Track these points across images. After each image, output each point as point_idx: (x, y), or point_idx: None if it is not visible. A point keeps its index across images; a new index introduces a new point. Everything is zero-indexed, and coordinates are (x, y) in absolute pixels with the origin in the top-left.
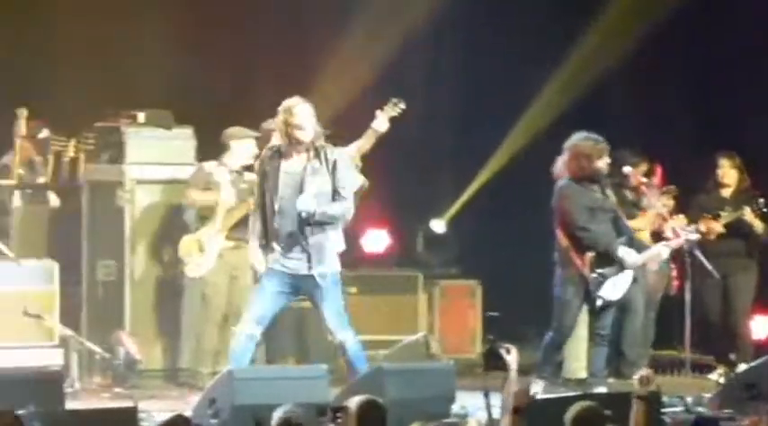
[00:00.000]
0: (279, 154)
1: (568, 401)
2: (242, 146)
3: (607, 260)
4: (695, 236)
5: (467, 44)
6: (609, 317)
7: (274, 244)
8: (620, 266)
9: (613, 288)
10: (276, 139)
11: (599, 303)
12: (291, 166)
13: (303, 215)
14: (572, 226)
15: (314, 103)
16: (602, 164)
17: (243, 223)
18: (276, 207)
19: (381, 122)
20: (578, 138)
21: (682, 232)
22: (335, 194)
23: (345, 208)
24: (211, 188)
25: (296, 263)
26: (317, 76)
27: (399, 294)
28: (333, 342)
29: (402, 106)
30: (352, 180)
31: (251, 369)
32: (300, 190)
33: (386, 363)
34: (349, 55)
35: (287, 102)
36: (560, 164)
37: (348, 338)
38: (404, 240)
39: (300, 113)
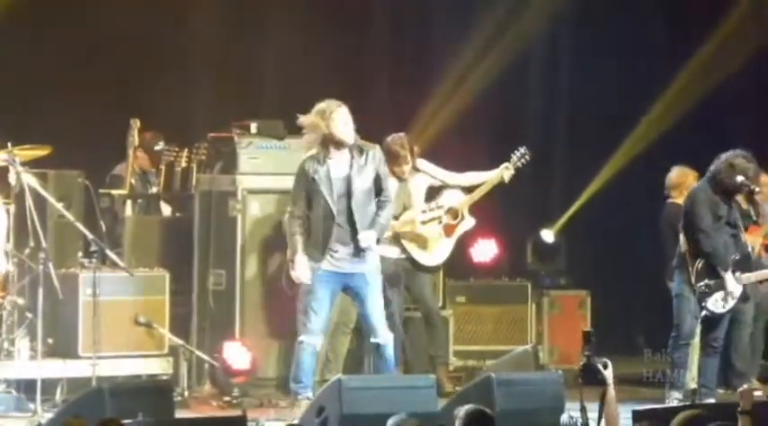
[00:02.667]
0: (323, 159)
1: (677, 411)
2: None
3: (716, 272)
4: None
5: (584, 49)
6: (721, 328)
7: (328, 247)
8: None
9: (721, 301)
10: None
11: (703, 313)
12: (338, 169)
13: (364, 245)
14: (695, 228)
15: (431, 108)
16: (740, 179)
17: None
18: (334, 210)
19: (508, 175)
20: (732, 153)
21: None
22: (380, 194)
23: (390, 212)
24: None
25: (348, 263)
26: (434, 83)
27: (509, 304)
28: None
29: (528, 157)
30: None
31: (360, 378)
32: (349, 190)
33: (495, 373)
34: (466, 61)
35: (326, 107)
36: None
37: (390, 340)
38: (514, 250)
39: (342, 116)
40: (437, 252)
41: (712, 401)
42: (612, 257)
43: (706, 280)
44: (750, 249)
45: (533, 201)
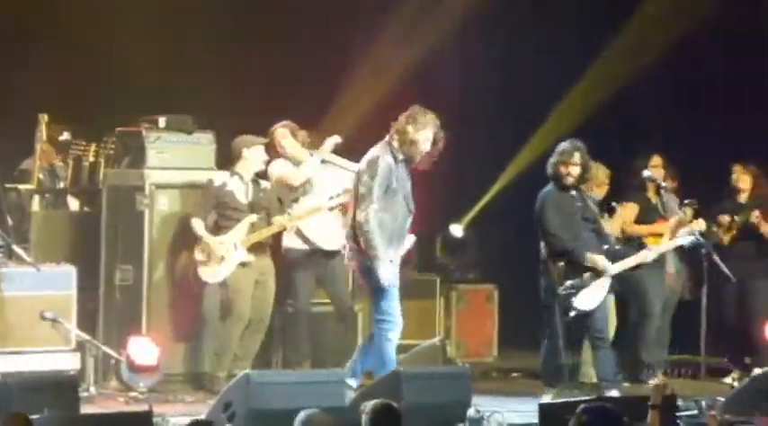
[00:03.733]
0: (405, 162)
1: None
2: (253, 154)
3: (579, 269)
4: (689, 240)
5: (493, 48)
6: (601, 321)
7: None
8: (594, 275)
9: (586, 297)
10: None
11: (572, 314)
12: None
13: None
14: (544, 231)
15: (340, 108)
16: (576, 171)
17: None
18: (411, 208)
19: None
20: (561, 145)
21: (679, 237)
22: None
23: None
24: (227, 200)
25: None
26: (340, 84)
27: (417, 298)
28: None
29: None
30: None
31: (268, 373)
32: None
33: (402, 367)
34: (378, 58)
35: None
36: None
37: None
38: (423, 244)
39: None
40: (335, 235)
41: (616, 394)
42: (521, 251)
43: (570, 281)
44: (614, 239)
45: (444, 195)
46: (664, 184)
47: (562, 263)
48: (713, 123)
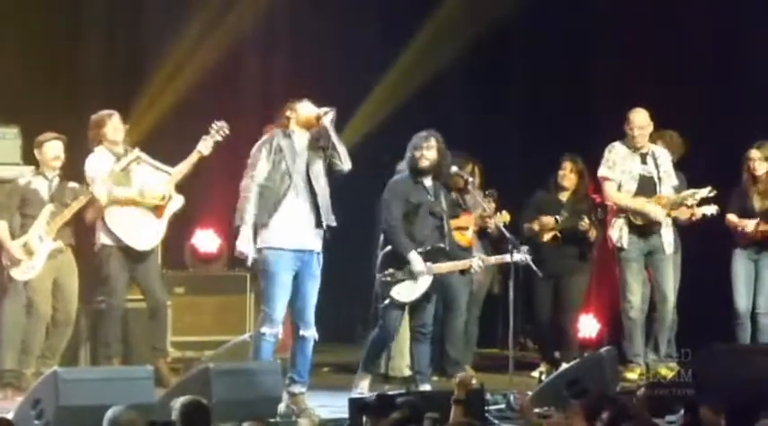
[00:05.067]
0: (286, 134)
1: (391, 399)
2: (47, 149)
3: (403, 260)
4: (523, 256)
5: (295, 36)
6: (427, 314)
7: (285, 223)
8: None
9: (407, 290)
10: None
11: (386, 302)
12: (300, 146)
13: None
14: (384, 220)
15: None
16: (431, 155)
17: (66, 226)
18: (295, 183)
19: (207, 146)
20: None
21: (515, 254)
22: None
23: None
24: (29, 197)
25: (305, 239)
26: (148, 80)
27: (227, 294)
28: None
29: (226, 130)
30: None
31: (76, 370)
32: (308, 170)
33: (212, 363)
34: (178, 57)
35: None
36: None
37: (309, 336)
38: (233, 239)
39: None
40: (149, 236)
41: (428, 388)
42: (332, 245)
43: (390, 269)
44: (451, 239)
45: None
46: (471, 179)
47: (389, 249)
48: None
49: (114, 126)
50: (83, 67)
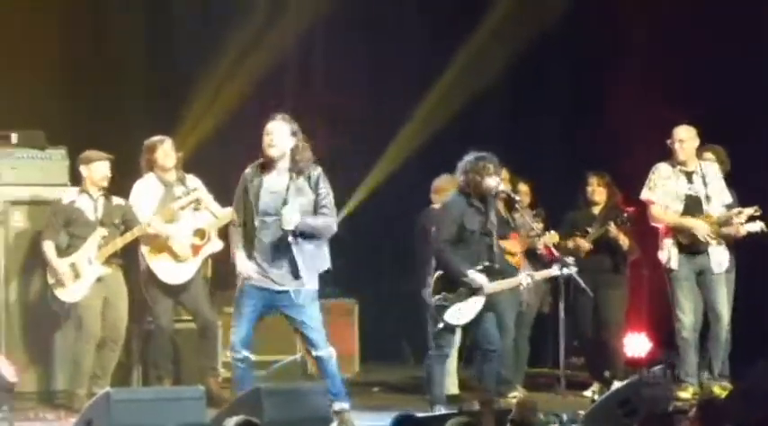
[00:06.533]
0: (261, 170)
1: (445, 418)
2: (97, 169)
3: (456, 282)
4: (570, 271)
5: (344, 51)
6: (489, 332)
7: (254, 260)
8: (469, 291)
9: (458, 312)
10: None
11: (440, 325)
12: (274, 184)
13: (286, 226)
14: (436, 240)
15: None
16: (493, 182)
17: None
18: (257, 223)
19: None
20: (468, 158)
21: (555, 267)
22: (317, 210)
23: (328, 222)
24: (75, 217)
25: (273, 279)
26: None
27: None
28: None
29: None
30: (331, 196)
31: (128, 391)
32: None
33: (263, 384)
34: (229, 61)
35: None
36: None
37: (324, 355)
38: None
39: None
40: (179, 272)
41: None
42: (379, 266)
43: (444, 293)
44: (504, 258)
45: None
46: (518, 198)
47: (441, 272)
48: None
49: (165, 152)
50: (127, 89)
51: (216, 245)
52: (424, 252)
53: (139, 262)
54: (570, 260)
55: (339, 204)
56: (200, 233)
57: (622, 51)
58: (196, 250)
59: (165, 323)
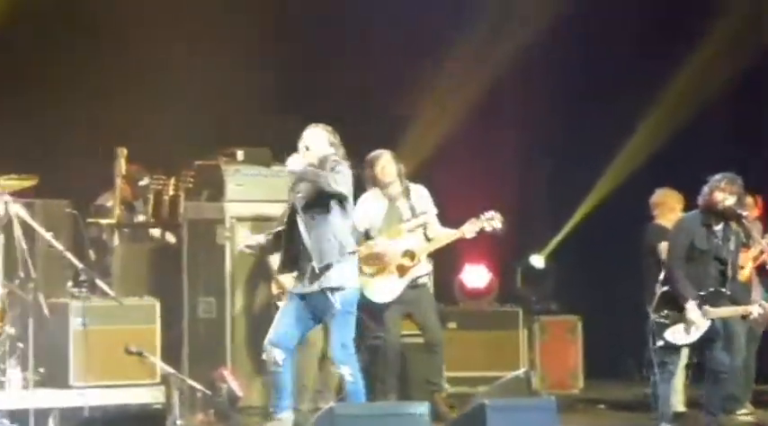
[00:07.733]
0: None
1: None
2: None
3: (676, 302)
4: None
5: (564, 77)
6: (718, 353)
7: (295, 271)
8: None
9: (682, 333)
10: None
11: (659, 343)
12: None
13: (290, 170)
14: (669, 255)
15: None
16: (729, 203)
17: None
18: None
19: (471, 230)
20: (716, 178)
21: None
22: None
23: (329, 177)
24: None
25: (309, 286)
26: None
27: (499, 330)
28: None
29: (496, 225)
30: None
31: (352, 406)
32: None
33: (488, 399)
34: (441, 84)
35: None
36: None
37: (345, 373)
38: (503, 276)
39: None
40: (386, 290)
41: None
42: (602, 281)
43: (666, 310)
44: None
45: (524, 226)
46: (745, 214)
47: (665, 289)
48: None
49: (382, 166)
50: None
51: (424, 269)
52: (651, 268)
53: None
54: None
55: (561, 221)
56: (410, 254)
57: None
58: (404, 271)
59: (392, 338)
